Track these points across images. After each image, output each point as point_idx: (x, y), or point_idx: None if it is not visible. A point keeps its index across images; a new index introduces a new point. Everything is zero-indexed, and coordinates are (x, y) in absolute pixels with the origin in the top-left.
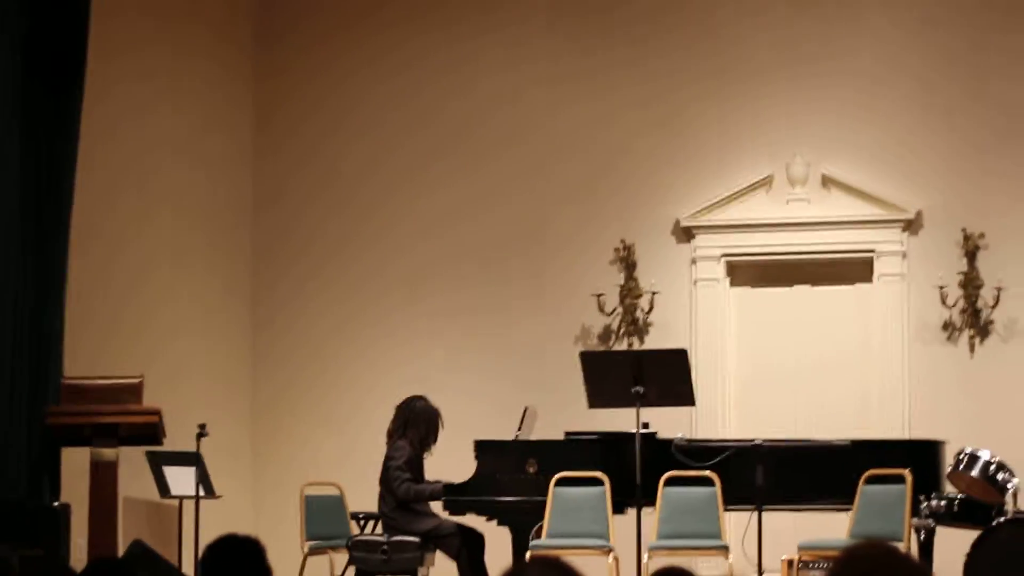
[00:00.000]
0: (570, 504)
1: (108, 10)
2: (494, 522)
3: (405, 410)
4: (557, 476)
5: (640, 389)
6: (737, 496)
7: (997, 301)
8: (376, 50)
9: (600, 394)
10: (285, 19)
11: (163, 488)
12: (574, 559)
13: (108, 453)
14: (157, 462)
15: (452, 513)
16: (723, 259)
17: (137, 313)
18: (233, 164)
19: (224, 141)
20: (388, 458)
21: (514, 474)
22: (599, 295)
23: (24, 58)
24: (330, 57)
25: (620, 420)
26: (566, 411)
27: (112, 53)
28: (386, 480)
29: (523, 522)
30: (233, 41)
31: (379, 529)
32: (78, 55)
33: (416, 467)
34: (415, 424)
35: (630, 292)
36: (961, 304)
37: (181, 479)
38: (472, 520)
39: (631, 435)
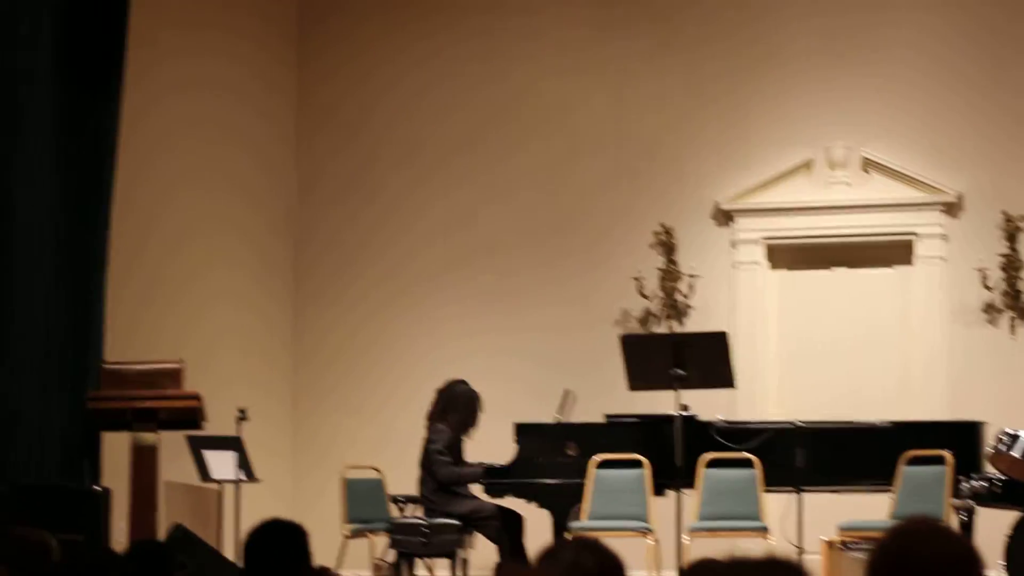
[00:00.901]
0: (610, 486)
1: None
2: (534, 504)
3: (445, 393)
4: (597, 458)
5: (680, 372)
6: (777, 478)
7: None
8: (414, 35)
9: (640, 377)
10: (326, 6)
11: (203, 472)
12: (614, 541)
13: (148, 437)
14: (197, 446)
15: (492, 496)
16: (763, 242)
17: (182, 304)
18: (275, 145)
19: (266, 122)
20: (428, 441)
21: (554, 457)
22: (639, 278)
23: (66, 36)
24: (369, 43)
25: (660, 403)
26: (606, 394)
27: (154, 33)
28: (426, 463)
29: (563, 504)
30: (276, 24)
31: (419, 512)
32: (120, 34)
33: (456, 450)
34: (455, 407)
35: (670, 275)
36: (1002, 286)
37: (221, 463)
38: (512, 502)
39: (671, 417)
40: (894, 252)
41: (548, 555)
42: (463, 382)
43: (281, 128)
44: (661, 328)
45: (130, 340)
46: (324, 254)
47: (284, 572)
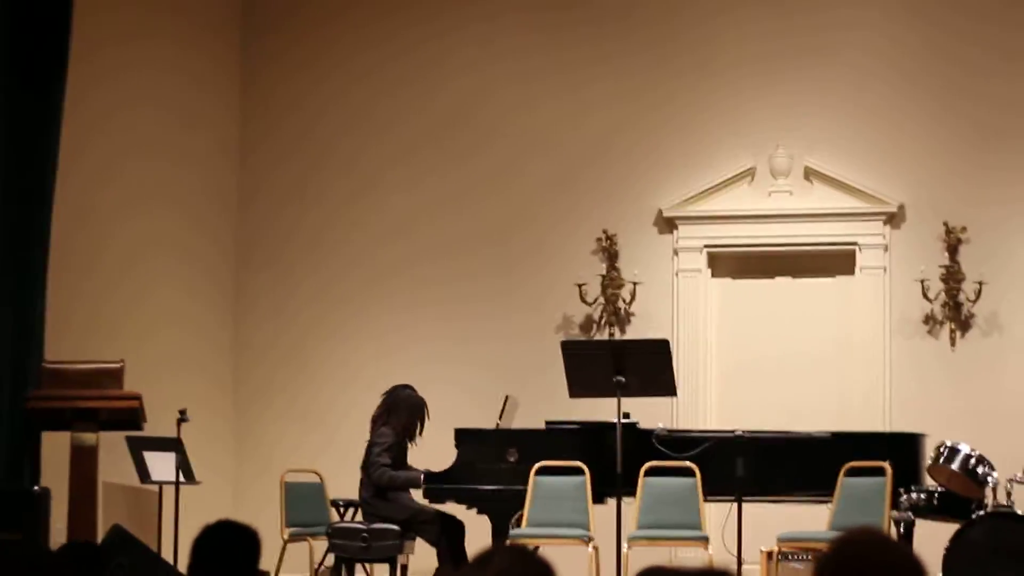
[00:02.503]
0: (550, 493)
1: (92, 5)
2: (474, 510)
3: (390, 397)
4: (537, 465)
5: (621, 379)
6: (717, 487)
7: (979, 295)
8: (357, 47)
9: (581, 384)
10: (270, 16)
11: (143, 473)
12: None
13: (88, 437)
14: (137, 447)
15: (432, 501)
16: (705, 250)
17: (121, 304)
18: (217, 158)
19: (209, 135)
20: (370, 444)
21: (494, 463)
22: (581, 285)
23: (7, 52)
24: (313, 54)
25: (601, 410)
26: (547, 400)
27: (96, 47)
28: (366, 465)
29: (503, 511)
30: (219, 36)
31: (359, 517)
32: (61, 49)
33: (399, 454)
34: (398, 412)
35: (612, 282)
36: (943, 298)
37: (161, 465)
38: (452, 508)
39: (612, 425)
40: (836, 262)
41: (479, 561)
42: (409, 387)
43: (223, 140)
44: (603, 335)
45: (70, 341)
46: (265, 264)
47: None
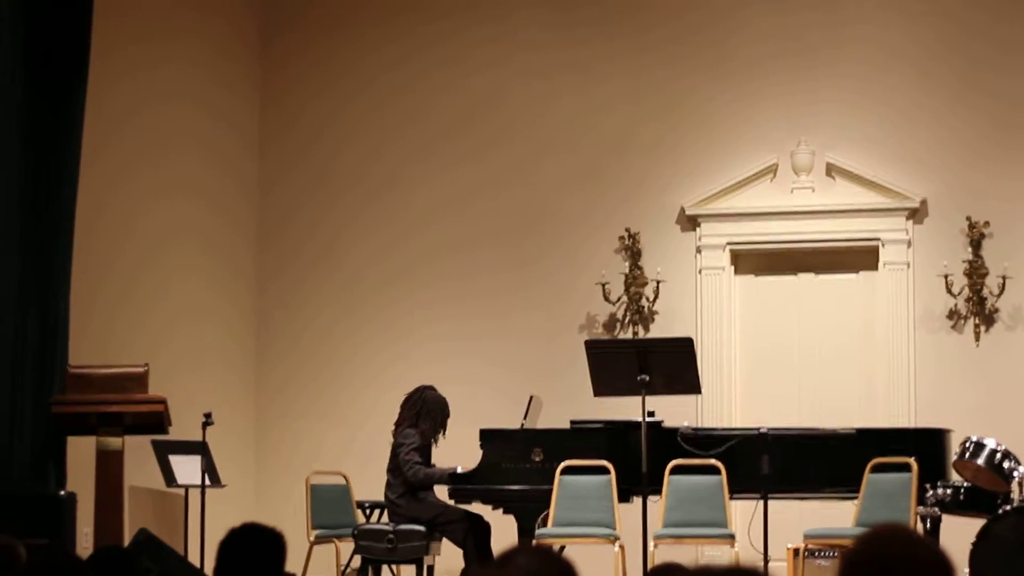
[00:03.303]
0: (576, 492)
1: (112, 3)
2: (500, 511)
3: (416, 399)
4: (563, 465)
5: (646, 377)
6: (743, 485)
7: (1002, 289)
8: (377, 41)
9: (605, 383)
10: (290, 11)
11: (169, 477)
12: (579, 548)
13: (114, 442)
14: (163, 451)
15: (458, 501)
16: (728, 247)
17: (142, 301)
18: (238, 153)
19: (229, 130)
20: (398, 444)
21: (520, 463)
22: (604, 283)
23: (27, 52)
24: (333, 48)
25: (626, 409)
26: (572, 400)
27: (116, 45)
28: (395, 466)
29: (529, 510)
30: (239, 32)
31: (385, 518)
32: (82, 47)
33: (425, 455)
34: (423, 413)
35: (635, 280)
36: (966, 292)
37: (187, 468)
38: (478, 508)
39: (637, 424)
40: (859, 258)
41: (502, 561)
42: (431, 388)
43: (244, 134)
44: (626, 334)
45: (95, 345)
46: (289, 259)
47: None
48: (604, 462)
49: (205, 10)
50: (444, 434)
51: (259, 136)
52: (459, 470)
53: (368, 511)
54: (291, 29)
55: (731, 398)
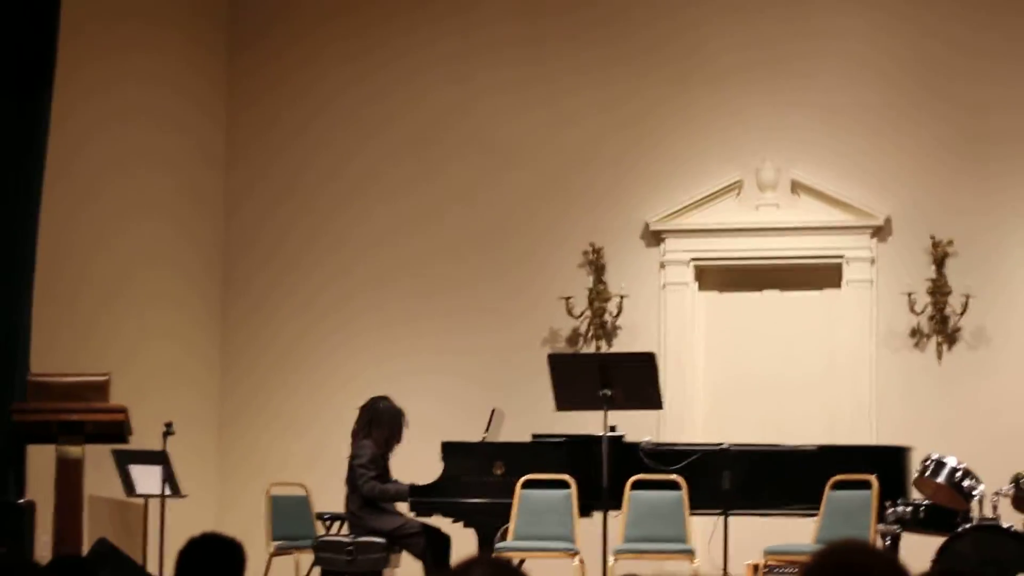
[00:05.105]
0: (536, 506)
1: (78, 17)
2: (460, 524)
3: (369, 410)
4: (524, 478)
5: (608, 392)
6: (703, 500)
7: (965, 308)
8: (340, 58)
9: (568, 397)
10: (255, 27)
11: (129, 486)
12: (539, 562)
13: (74, 450)
14: (123, 460)
15: (418, 514)
16: (692, 263)
17: (107, 317)
18: (203, 169)
19: (195, 147)
20: (353, 456)
21: (481, 476)
22: (567, 298)
23: None
24: (297, 64)
25: (587, 423)
26: (533, 413)
27: (82, 61)
28: (351, 479)
29: (489, 524)
30: (204, 47)
31: (345, 530)
32: (47, 63)
33: (381, 466)
34: (379, 424)
35: (599, 295)
36: (929, 311)
37: (147, 478)
38: (438, 521)
39: (598, 438)
40: (823, 275)
41: (458, 572)
42: (386, 398)
43: (210, 151)
44: (589, 348)
45: (55, 354)
46: (253, 274)
47: None
48: (565, 476)
49: (168, 25)
50: (399, 442)
51: (225, 152)
52: (407, 491)
53: (328, 523)
54: (256, 45)
55: (693, 414)
